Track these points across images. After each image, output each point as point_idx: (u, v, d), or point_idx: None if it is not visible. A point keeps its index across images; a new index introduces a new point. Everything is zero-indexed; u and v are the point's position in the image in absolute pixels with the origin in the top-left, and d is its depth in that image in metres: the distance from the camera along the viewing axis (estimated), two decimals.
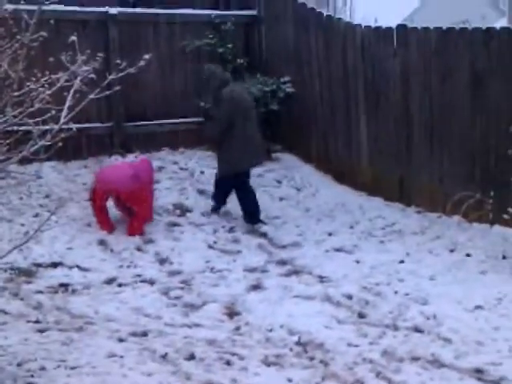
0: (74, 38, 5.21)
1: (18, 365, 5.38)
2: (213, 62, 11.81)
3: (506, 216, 8.08)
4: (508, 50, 8.70)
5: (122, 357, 5.65)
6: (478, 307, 6.71)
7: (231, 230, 9.34)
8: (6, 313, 6.56)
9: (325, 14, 11.54)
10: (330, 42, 11.12)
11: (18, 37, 5.04)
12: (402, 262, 8.20)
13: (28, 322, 6.40)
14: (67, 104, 5.07)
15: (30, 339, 5.92)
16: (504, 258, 8.05)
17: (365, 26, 10.68)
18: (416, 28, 9.90)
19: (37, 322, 6.40)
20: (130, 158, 11.23)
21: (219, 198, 9.83)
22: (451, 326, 6.25)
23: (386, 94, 10.19)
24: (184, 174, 10.99)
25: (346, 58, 10.85)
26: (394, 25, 10.29)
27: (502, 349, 5.82)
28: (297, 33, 11.79)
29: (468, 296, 6.98)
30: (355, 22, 11.44)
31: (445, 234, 8.92)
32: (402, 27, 10.13)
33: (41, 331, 6.16)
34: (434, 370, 5.55)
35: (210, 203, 9.92)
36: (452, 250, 8.48)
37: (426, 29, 9.69)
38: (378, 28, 10.48)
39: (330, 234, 9.24)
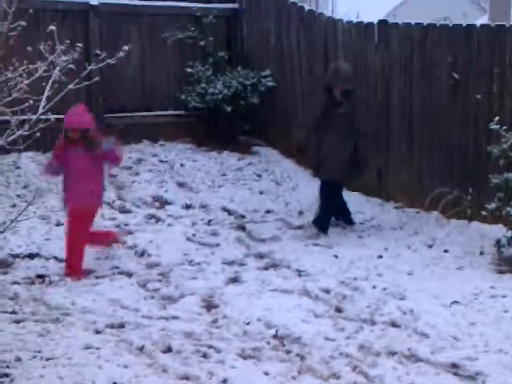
0: (53, 27, 5.19)
1: None
2: (194, 55, 11.85)
3: (483, 212, 8.13)
4: (488, 46, 8.75)
5: (98, 348, 5.62)
6: (455, 302, 6.74)
7: (210, 222, 9.33)
8: None
9: (306, 9, 11.53)
10: (312, 36, 11.11)
11: None
12: (380, 256, 8.22)
13: (4, 312, 6.36)
14: (46, 94, 5.04)
15: (6, 330, 5.88)
16: (481, 253, 8.10)
17: (346, 21, 10.68)
18: (397, 24, 9.92)
19: (13, 312, 6.36)
20: None
21: None
22: (428, 321, 6.27)
23: (367, 89, 10.18)
24: (164, 167, 10.95)
25: (327, 53, 10.85)
26: (375, 20, 10.30)
27: (478, 344, 5.84)
28: (278, 27, 11.76)
29: (445, 291, 7.01)
30: (337, 17, 11.44)
31: (423, 230, 8.97)
32: (383, 23, 10.15)
33: (17, 322, 6.12)
34: (410, 364, 5.55)
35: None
36: (430, 246, 8.53)
37: (407, 24, 9.71)
38: (359, 23, 10.48)
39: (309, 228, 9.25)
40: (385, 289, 7.16)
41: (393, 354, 5.71)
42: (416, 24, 9.59)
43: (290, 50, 11.55)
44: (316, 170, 9.51)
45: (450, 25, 9.37)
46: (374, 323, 6.36)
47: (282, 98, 11.74)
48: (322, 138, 9.09)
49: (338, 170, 8.96)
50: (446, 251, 8.29)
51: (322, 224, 9.07)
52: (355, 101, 8.99)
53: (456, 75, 9.01)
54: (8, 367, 5.19)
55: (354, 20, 10.91)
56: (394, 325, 6.31)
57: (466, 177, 9.03)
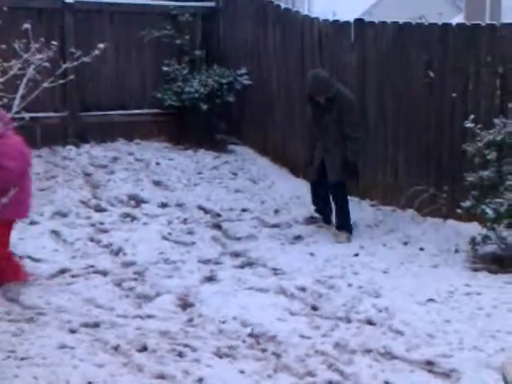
0: (27, 25, 5.16)
1: None
2: (170, 53, 11.82)
3: (458, 210, 8.17)
4: (463, 45, 8.79)
5: (73, 348, 5.60)
6: (430, 300, 6.77)
7: (186, 221, 9.31)
8: None
9: (283, 7, 11.53)
10: (288, 34, 11.11)
11: None
12: (356, 255, 8.24)
13: None
14: (20, 92, 5.00)
15: None
16: (456, 251, 8.14)
17: (322, 20, 10.69)
18: (373, 22, 9.95)
19: None
20: (85, 148, 11.14)
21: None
22: (403, 319, 6.30)
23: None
24: (139, 165, 10.92)
25: (303, 51, 10.85)
26: (351, 19, 10.32)
27: (452, 341, 5.87)
28: (255, 25, 11.76)
29: (420, 289, 7.04)
30: (313, 16, 11.45)
31: (398, 228, 8.99)
32: (359, 21, 10.17)
33: None
34: (385, 362, 5.58)
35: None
36: (405, 244, 8.56)
37: (383, 23, 9.74)
38: (335, 21, 10.49)
39: (285, 227, 9.26)
40: (360, 287, 7.18)
41: (368, 351, 5.74)
42: (392, 23, 9.62)
43: (267, 49, 11.55)
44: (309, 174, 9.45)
45: (426, 23, 9.40)
46: (349, 321, 6.38)
47: (259, 96, 11.74)
48: (316, 142, 9.05)
49: (335, 173, 8.87)
50: (421, 249, 8.32)
51: (348, 226, 8.99)
52: (341, 105, 8.80)
53: (432, 74, 9.05)
54: None
55: (331, 18, 10.93)
56: (369, 323, 6.34)
57: (442, 175, 9.07)
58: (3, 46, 5.29)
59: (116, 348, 5.67)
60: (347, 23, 10.20)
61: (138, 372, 5.31)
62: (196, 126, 11.86)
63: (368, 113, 9.91)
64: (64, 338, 5.80)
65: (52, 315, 6.32)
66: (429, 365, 5.53)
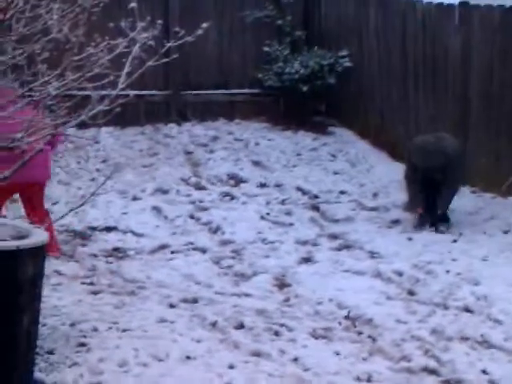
0: (133, 4, 5.23)
1: (71, 325, 5.49)
2: (271, 34, 11.84)
3: None
4: None
5: (172, 322, 5.73)
6: None
7: (284, 202, 9.35)
8: (61, 274, 6.72)
9: None
10: (390, 17, 10.98)
11: (80, 1, 5.07)
12: (454, 241, 8.13)
13: (82, 283, 6.55)
14: (125, 70, 5.09)
15: (84, 301, 6.04)
16: None
17: (426, 2, 10.52)
18: (478, 5, 9.72)
19: (91, 284, 6.55)
20: (186, 126, 11.32)
21: None
22: (502, 308, 6.18)
23: (446, 71, 10.04)
24: (239, 145, 11.02)
25: (405, 34, 10.71)
26: (456, 1, 10.12)
27: None
28: (356, 6, 11.65)
29: None
30: None
31: (499, 215, 8.79)
32: (464, 4, 9.96)
33: (94, 293, 6.29)
34: (482, 350, 5.50)
35: None
36: (506, 232, 8.36)
37: (488, 6, 9.52)
38: (439, 4, 10.31)
39: (383, 211, 9.20)
40: (459, 273, 7.08)
41: (465, 339, 5.68)
42: (498, 6, 9.40)
43: (368, 30, 11.44)
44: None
45: None
46: (446, 308, 6.32)
47: (359, 78, 11.65)
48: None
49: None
50: None
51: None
52: (451, 168, 8.47)
53: None
54: (85, 337, 5.32)
55: (434, 1, 10.75)
56: (467, 310, 6.26)
57: None
58: (110, 25, 5.39)
59: (214, 324, 5.76)
60: (451, 6, 10.01)
61: (235, 349, 5.38)
62: (295, 107, 11.88)
63: (471, 96, 9.74)
64: (164, 312, 5.94)
65: (152, 289, 6.48)
66: None
